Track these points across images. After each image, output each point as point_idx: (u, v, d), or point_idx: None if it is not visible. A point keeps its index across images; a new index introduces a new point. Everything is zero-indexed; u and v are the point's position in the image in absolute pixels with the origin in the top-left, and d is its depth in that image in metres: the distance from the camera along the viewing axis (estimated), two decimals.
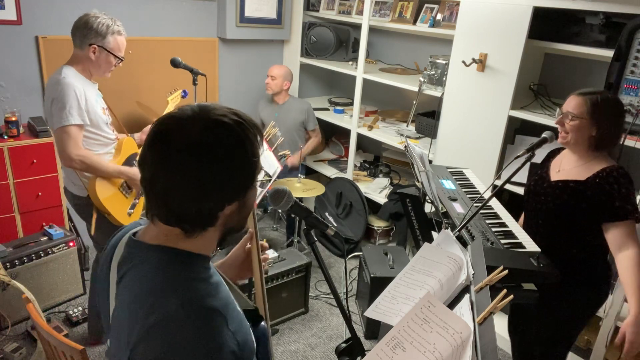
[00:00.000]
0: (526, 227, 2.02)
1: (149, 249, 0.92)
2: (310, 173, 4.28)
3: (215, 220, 0.92)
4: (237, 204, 0.93)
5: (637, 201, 2.18)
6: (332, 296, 2.39)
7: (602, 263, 1.89)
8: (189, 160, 0.85)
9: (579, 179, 1.81)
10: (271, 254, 2.93)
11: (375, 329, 2.85)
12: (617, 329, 2.34)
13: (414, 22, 3.44)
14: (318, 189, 3.36)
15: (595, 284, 1.90)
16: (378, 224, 3.75)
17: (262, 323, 1.11)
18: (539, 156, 2.00)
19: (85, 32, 2.11)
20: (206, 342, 0.84)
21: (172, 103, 2.84)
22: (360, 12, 3.73)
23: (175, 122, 0.87)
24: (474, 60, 2.79)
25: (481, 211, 1.85)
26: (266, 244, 1.31)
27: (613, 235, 1.74)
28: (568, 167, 1.89)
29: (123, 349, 0.88)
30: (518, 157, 1.81)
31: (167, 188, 0.86)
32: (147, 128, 2.68)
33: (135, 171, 2.31)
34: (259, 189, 2.32)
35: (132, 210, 2.39)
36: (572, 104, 1.79)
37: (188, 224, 0.90)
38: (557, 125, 1.85)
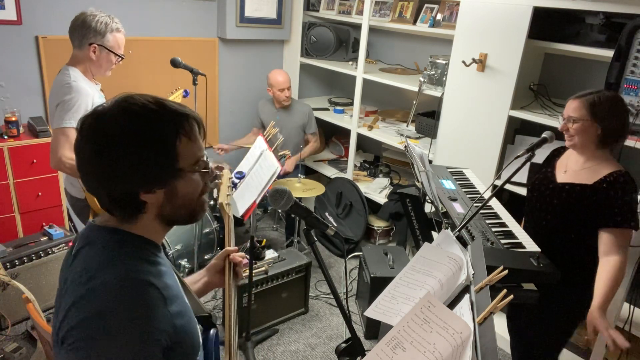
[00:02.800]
0: (528, 226, 2.02)
1: (99, 230, 0.96)
2: (310, 173, 4.28)
3: (138, 208, 0.94)
4: (164, 193, 0.94)
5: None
6: (332, 296, 2.39)
7: None
8: (92, 146, 0.89)
9: (585, 182, 1.81)
10: (271, 254, 2.93)
11: (375, 329, 2.85)
12: (617, 328, 2.34)
13: (414, 22, 3.44)
14: (318, 189, 3.35)
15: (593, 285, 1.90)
16: (378, 224, 3.75)
17: (212, 330, 1.12)
18: (540, 155, 2.00)
19: (84, 31, 2.07)
20: (135, 312, 0.85)
21: None
22: (360, 12, 3.73)
23: (94, 111, 0.92)
24: (474, 60, 2.79)
25: (481, 211, 1.85)
26: (238, 259, 1.32)
27: (603, 241, 1.75)
28: (575, 168, 1.88)
29: (59, 321, 0.89)
30: (518, 157, 1.81)
31: (81, 173, 0.93)
32: None
33: None
34: (263, 179, 2.30)
35: None
36: (571, 107, 1.80)
37: (113, 210, 0.94)
38: (562, 131, 1.85)
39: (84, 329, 0.84)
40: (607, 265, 1.72)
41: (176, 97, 2.88)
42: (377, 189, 3.85)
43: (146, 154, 0.89)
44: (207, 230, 3.26)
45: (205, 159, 0.99)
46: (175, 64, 3.01)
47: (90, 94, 2.08)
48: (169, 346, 0.88)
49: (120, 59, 2.20)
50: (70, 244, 2.83)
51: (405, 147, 2.38)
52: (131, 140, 0.88)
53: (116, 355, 0.82)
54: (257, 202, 2.28)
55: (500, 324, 2.39)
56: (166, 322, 0.87)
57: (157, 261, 0.96)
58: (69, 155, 2.05)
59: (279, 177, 3.42)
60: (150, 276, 0.90)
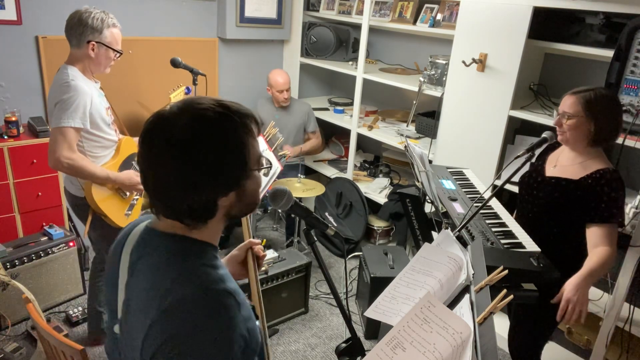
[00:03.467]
0: (517, 218, 2.04)
1: (162, 237, 0.95)
2: (310, 173, 4.28)
3: (213, 212, 0.94)
4: (235, 194, 0.94)
5: (628, 209, 2.19)
6: (332, 296, 2.39)
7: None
8: (171, 156, 0.87)
9: (572, 177, 1.83)
10: (271, 254, 2.93)
11: (375, 329, 2.85)
12: (617, 328, 2.34)
13: (414, 22, 3.44)
14: (318, 189, 3.35)
15: None
16: (378, 224, 3.75)
17: (257, 322, 1.13)
18: (537, 151, 2.01)
19: (81, 29, 2.06)
20: (220, 323, 0.86)
21: (175, 100, 2.83)
22: (360, 12, 3.73)
23: (160, 120, 0.90)
24: (474, 60, 2.79)
25: (481, 211, 1.85)
26: (262, 253, 1.32)
27: (592, 235, 1.76)
28: (565, 163, 1.90)
29: (139, 333, 0.90)
30: (518, 157, 1.82)
31: (157, 185, 0.91)
32: None
33: (124, 177, 2.26)
34: (264, 179, 2.32)
35: (130, 212, 2.38)
36: (567, 103, 1.81)
37: (186, 218, 0.93)
38: (555, 126, 1.86)
39: (175, 345, 0.85)
40: (596, 252, 1.73)
41: (178, 95, 2.88)
42: (377, 189, 3.85)
43: (227, 159, 0.90)
44: None
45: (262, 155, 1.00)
46: (175, 64, 3.01)
47: (88, 93, 2.07)
48: (243, 349, 0.90)
49: (118, 54, 2.19)
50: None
51: (405, 147, 2.38)
52: (213, 147, 0.88)
53: None
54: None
55: (500, 324, 2.39)
56: (243, 327, 0.89)
57: (219, 264, 0.96)
58: (67, 154, 2.05)
59: (279, 177, 3.42)
60: (223, 284, 0.91)
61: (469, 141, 2.95)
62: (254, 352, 0.96)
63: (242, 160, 0.92)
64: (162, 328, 0.86)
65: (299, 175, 3.44)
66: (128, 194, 2.35)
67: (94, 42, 2.09)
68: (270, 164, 2.88)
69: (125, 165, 2.34)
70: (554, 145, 2.03)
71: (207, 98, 0.93)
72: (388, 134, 3.64)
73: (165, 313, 0.86)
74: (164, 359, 0.85)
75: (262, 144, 2.61)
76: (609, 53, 2.29)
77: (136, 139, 2.54)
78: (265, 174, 2.80)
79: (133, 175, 2.31)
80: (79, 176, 2.16)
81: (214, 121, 0.89)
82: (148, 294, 0.90)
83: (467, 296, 1.14)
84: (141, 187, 2.35)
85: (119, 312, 0.99)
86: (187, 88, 2.97)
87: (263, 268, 2.77)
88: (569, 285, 1.65)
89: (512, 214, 2.10)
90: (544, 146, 1.90)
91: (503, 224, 2.00)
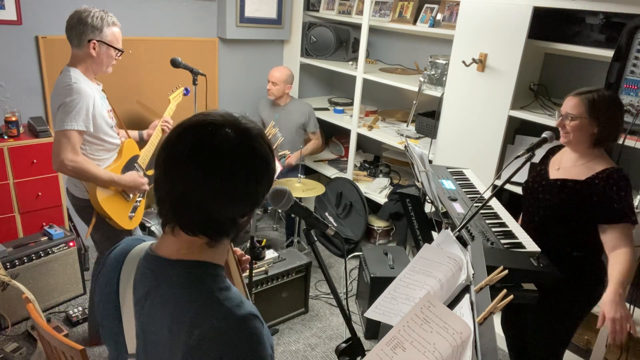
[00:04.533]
0: (523, 224, 2.03)
1: (173, 265, 0.92)
2: (310, 173, 4.28)
3: (238, 226, 0.93)
4: None
5: (636, 205, 2.19)
6: (332, 296, 2.39)
7: (597, 262, 1.89)
8: (238, 168, 0.86)
9: (578, 178, 1.82)
10: (271, 254, 2.93)
11: (375, 329, 2.85)
12: None
13: (414, 22, 3.44)
14: (318, 189, 3.35)
15: (590, 283, 1.90)
16: (378, 224, 3.75)
17: None
18: (540, 154, 2.00)
19: (81, 29, 2.05)
20: (253, 347, 0.86)
21: (174, 101, 2.83)
22: (360, 12, 3.73)
23: (213, 131, 0.86)
24: (474, 60, 2.79)
25: (481, 211, 1.85)
26: (239, 251, 1.32)
27: (609, 237, 1.75)
28: (568, 165, 1.90)
29: None
30: (518, 157, 1.82)
31: (209, 198, 0.86)
32: (156, 123, 2.65)
33: (128, 179, 2.26)
34: None
35: (133, 214, 2.38)
36: (569, 104, 1.80)
37: (217, 233, 0.91)
38: (558, 127, 1.86)
39: None
40: (618, 256, 1.70)
41: (177, 96, 2.87)
42: (377, 189, 3.85)
43: (269, 170, 0.92)
44: None
45: None
46: (175, 64, 3.01)
47: (91, 95, 2.07)
48: None
49: (120, 53, 2.19)
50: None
51: (405, 147, 2.38)
52: (262, 160, 0.90)
53: None
54: None
55: (500, 324, 2.39)
56: (269, 346, 0.89)
57: (229, 285, 0.94)
58: (71, 157, 2.04)
59: (279, 177, 3.42)
60: (245, 307, 0.89)
61: (469, 141, 2.95)
62: None
63: (274, 169, 0.95)
64: None
65: (299, 175, 3.44)
66: (131, 196, 2.35)
67: (95, 41, 2.08)
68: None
69: (127, 167, 2.33)
70: (555, 150, 2.03)
71: (235, 113, 0.93)
72: (388, 134, 3.64)
73: (197, 346, 0.85)
74: None
75: None
76: (609, 53, 2.29)
77: (144, 132, 2.53)
78: None
79: (136, 176, 2.31)
80: (83, 179, 2.16)
81: (263, 137, 0.91)
82: (171, 327, 0.88)
83: (467, 296, 1.14)
84: (145, 187, 2.37)
85: (130, 345, 0.95)
86: (186, 89, 2.96)
87: (262, 268, 2.77)
88: (606, 305, 1.59)
89: (514, 217, 2.09)
90: (543, 146, 1.90)
91: (503, 224, 2.00)
